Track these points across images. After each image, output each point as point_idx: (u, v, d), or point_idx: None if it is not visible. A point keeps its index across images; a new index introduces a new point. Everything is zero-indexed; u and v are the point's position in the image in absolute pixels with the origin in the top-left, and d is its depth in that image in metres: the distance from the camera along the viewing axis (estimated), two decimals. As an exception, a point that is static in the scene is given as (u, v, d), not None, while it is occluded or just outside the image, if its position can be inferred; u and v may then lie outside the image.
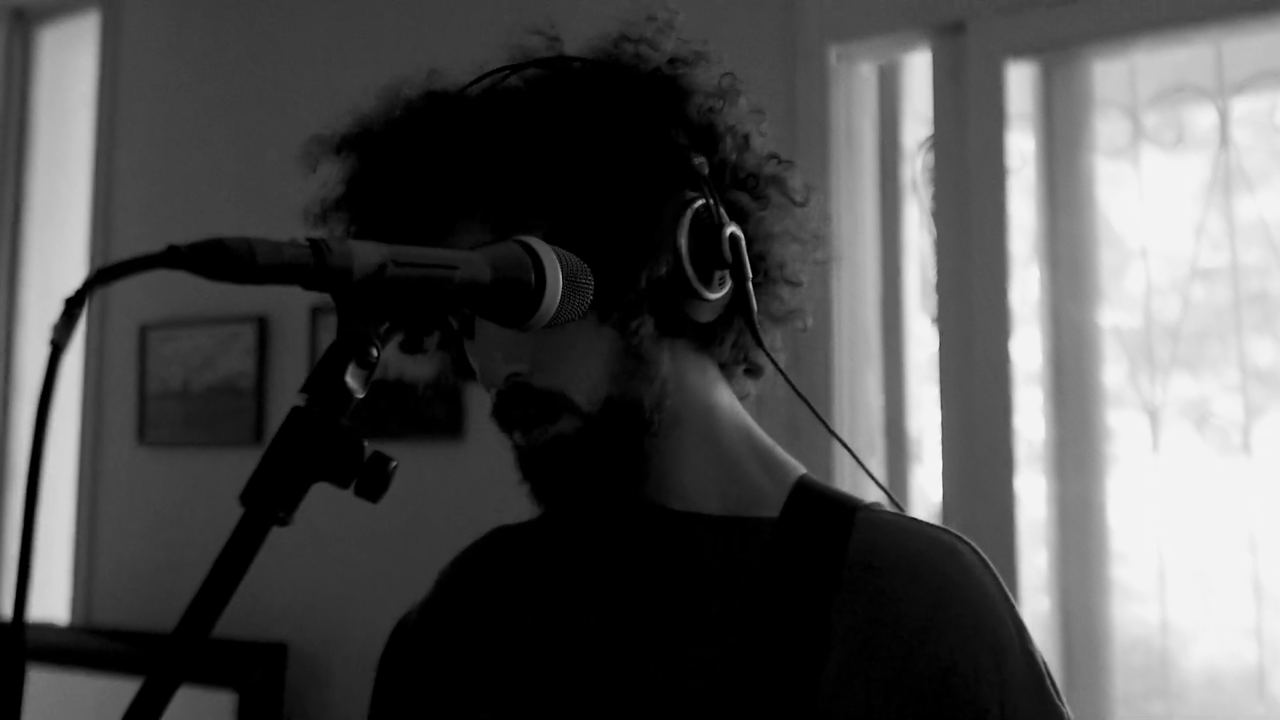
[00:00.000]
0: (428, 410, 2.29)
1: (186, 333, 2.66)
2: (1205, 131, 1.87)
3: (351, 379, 0.70)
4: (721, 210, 0.89)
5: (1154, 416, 1.87)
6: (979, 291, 1.88)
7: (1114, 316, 1.92)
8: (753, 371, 0.97)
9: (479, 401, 2.25)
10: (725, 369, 0.96)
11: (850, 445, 1.52)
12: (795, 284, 0.96)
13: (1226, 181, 1.84)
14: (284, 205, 2.75)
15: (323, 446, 0.69)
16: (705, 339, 0.92)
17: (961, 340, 1.90)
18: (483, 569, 1.02)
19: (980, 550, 0.89)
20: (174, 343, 2.68)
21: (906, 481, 1.99)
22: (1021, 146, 1.94)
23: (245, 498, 0.67)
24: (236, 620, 2.53)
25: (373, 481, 0.70)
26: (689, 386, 0.92)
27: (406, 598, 2.44)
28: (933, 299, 1.96)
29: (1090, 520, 1.90)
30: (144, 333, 2.72)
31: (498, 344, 0.88)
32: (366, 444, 0.69)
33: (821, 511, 0.90)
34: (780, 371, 0.95)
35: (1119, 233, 1.94)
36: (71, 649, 2.57)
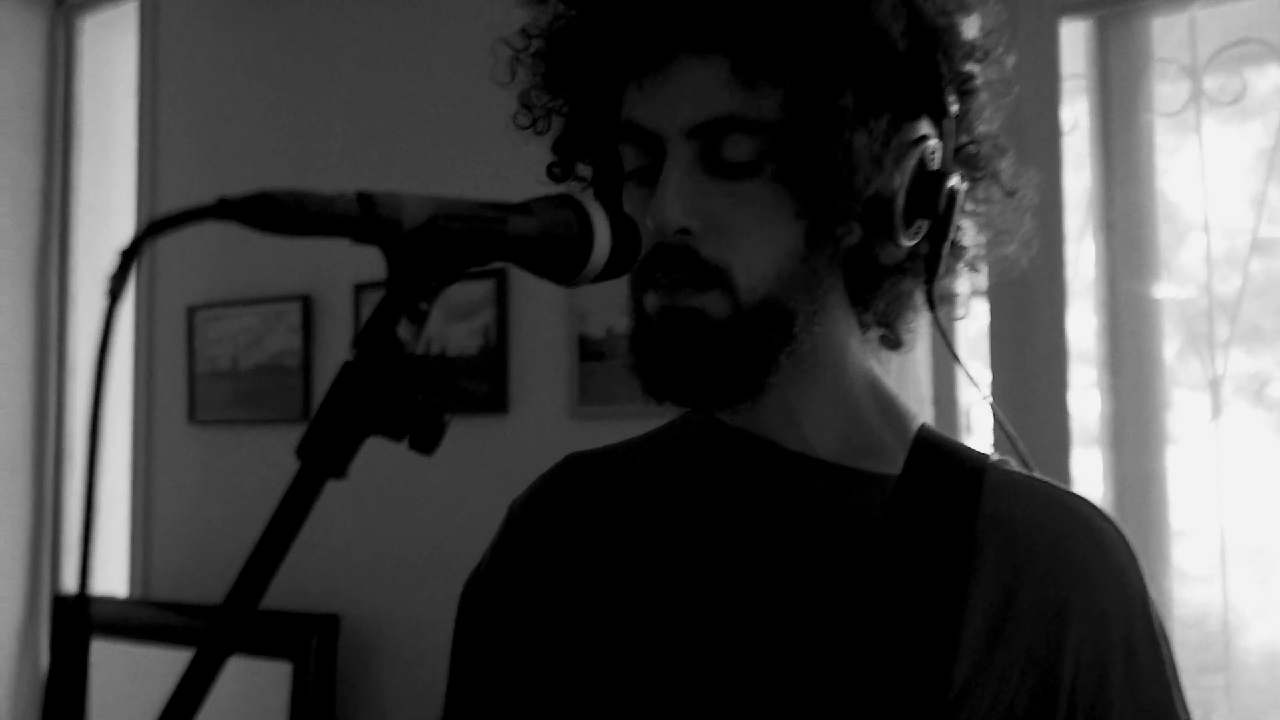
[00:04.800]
0: (471, 385, 2.30)
1: (233, 312, 2.68)
2: (1268, 93, 1.83)
3: (403, 333, 0.70)
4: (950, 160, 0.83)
5: (1213, 392, 1.83)
6: (1031, 262, 1.85)
7: (1171, 290, 1.88)
8: (889, 342, 0.91)
9: (522, 376, 2.26)
10: (862, 328, 0.89)
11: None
12: (971, 269, 0.90)
13: (1288, 148, 1.80)
14: (328, 180, 2.79)
15: (375, 400, 0.69)
16: (861, 286, 0.86)
17: (1014, 314, 1.87)
18: (561, 499, 0.96)
19: (1118, 525, 0.84)
20: (221, 323, 2.70)
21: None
22: (1075, 109, 1.91)
23: (301, 451, 0.68)
24: (290, 592, 2.55)
25: (426, 435, 0.70)
26: (830, 323, 0.85)
27: (452, 571, 2.46)
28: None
29: (1148, 497, 1.86)
30: (191, 314, 2.74)
31: (682, 193, 0.80)
32: (420, 397, 0.69)
33: (947, 470, 0.84)
34: (947, 342, 0.89)
35: (1176, 203, 1.90)
36: (131, 621, 2.62)
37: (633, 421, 2.19)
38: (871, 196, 0.81)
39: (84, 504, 0.63)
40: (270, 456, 2.59)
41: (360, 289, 2.45)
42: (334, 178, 2.47)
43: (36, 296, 2.99)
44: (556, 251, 0.77)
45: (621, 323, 2.18)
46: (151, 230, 0.61)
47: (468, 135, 2.31)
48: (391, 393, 0.69)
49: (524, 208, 0.76)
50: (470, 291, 2.27)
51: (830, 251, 0.83)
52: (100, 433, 0.63)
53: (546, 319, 2.21)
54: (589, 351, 2.14)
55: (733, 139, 0.79)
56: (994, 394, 1.88)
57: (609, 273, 0.81)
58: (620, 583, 0.88)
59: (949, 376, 1.98)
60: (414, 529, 2.37)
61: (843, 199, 0.80)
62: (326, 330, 2.54)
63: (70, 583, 2.92)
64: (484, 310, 2.29)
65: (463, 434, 2.34)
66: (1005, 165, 0.90)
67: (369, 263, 2.62)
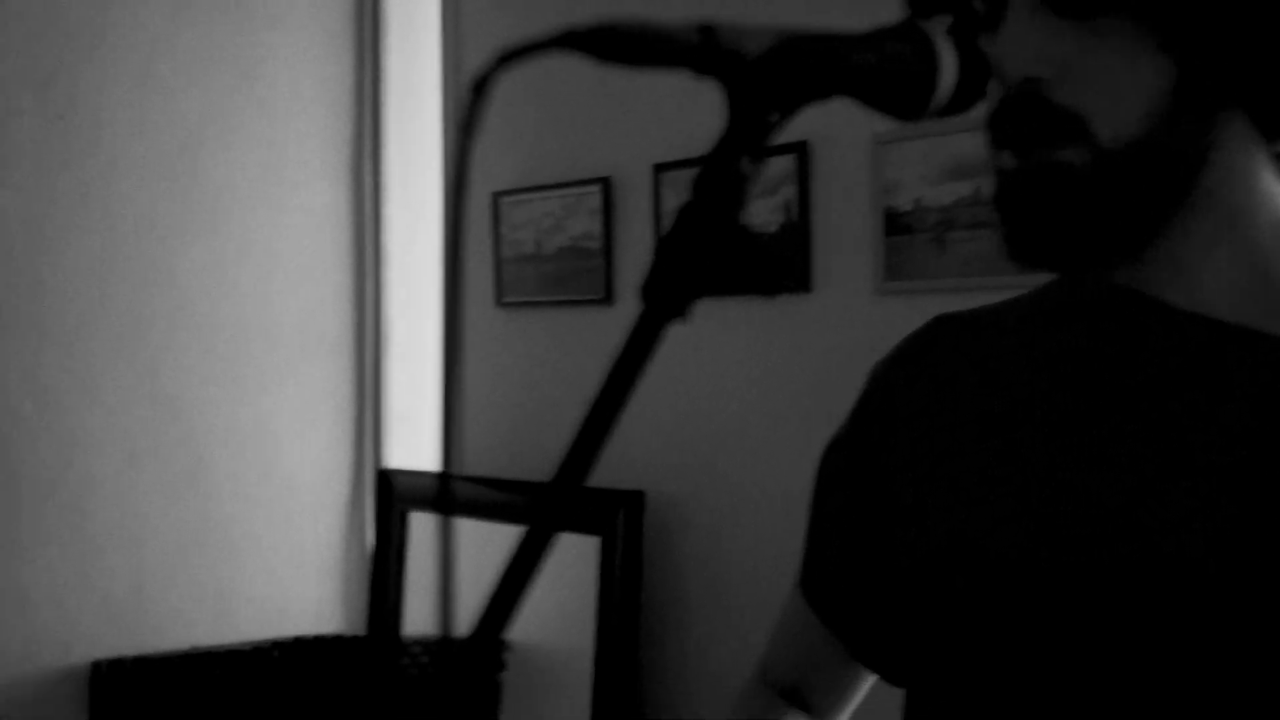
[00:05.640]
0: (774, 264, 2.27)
1: (536, 197, 2.74)
2: None
3: (745, 168, 0.68)
4: None
5: None
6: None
7: None
8: None
9: (825, 252, 2.22)
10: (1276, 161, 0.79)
11: None
12: None
13: None
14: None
15: (716, 240, 0.67)
16: (1268, 112, 0.76)
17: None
18: (926, 362, 0.90)
19: None
20: (525, 207, 2.77)
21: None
22: None
23: (645, 292, 0.66)
24: (598, 469, 2.61)
25: (770, 279, 0.68)
26: (1231, 164, 0.76)
27: (752, 450, 2.47)
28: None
29: None
30: (496, 199, 2.82)
31: (1029, 38, 0.74)
32: (763, 236, 0.67)
33: None
34: None
35: None
36: (445, 494, 2.76)
37: (943, 297, 2.12)
38: (1254, 13, 0.72)
39: (444, 382, 0.64)
40: (574, 336, 2.66)
41: (660, 169, 2.45)
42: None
43: (352, 188, 3.14)
44: (900, 84, 0.73)
45: (931, 194, 2.10)
46: (501, 61, 0.61)
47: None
48: (734, 230, 0.67)
49: (867, 39, 0.72)
50: (771, 167, 2.23)
51: (1212, 84, 0.74)
52: (460, 288, 0.64)
53: (850, 192, 2.15)
54: (896, 225, 2.07)
55: None
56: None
57: (955, 107, 0.76)
58: (990, 453, 0.82)
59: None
60: (716, 408, 2.38)
61: (1214, 26, 0.72)
62: (626, 212, 2.56)
63: (391, 459, 3.10)
64: (785, 185, 2.25)
65: (764, 313, 2.34)
66: None
67: (668, 143, 2.61)
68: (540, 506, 0.65)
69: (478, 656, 0.61)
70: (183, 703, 2.77)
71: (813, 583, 0.98)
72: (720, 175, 0.67)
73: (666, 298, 0.66)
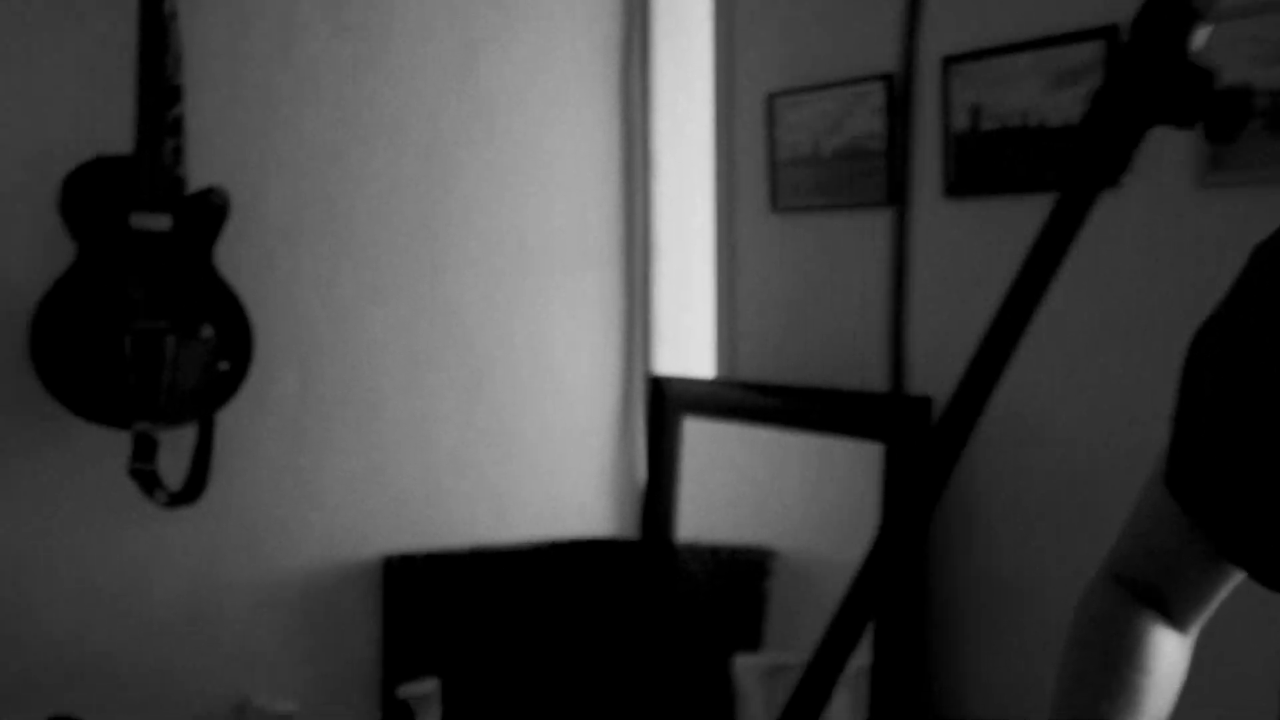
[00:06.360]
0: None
1: (813, 97, 2.66)
2: None
3: (1196, 2, 0.61)
4: None
5: None
6: None
7: None
8: None
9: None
10: None
11: None
12: None
13: None
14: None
15: (1162, 81, 0.60)
16: None
17: None
18: None
19: None
20: (801, 108, 2.69)
21: None
22: None
23: (1081, 149, 0.61)
24: (883, 374, 2.54)
25: (1227, 118, 0.61)
26: None
27: (1057, 354, 2.34)
28: None
29: None
30: (771, 100, 2.76)
31: None
32: (1215, 74, 0.60)
33: None
34: None
35: None
36: (718, 401, 2.75)
37: (1274, 189, 1.95)
38: None
39: (894, 287, 0.60)
40: (853, 242, 2.59)
41: (949, 62, 2.33)
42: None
43: (622, 98, 3.13)
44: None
45: (1262, 76, 1.93)
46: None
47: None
48: (1181, 70, 0.60)
49: None
50: (1075, 55, 2.10)
51: None
52: (908, 182, 0.59)
53: (1168, 78, 2.00)
54: (1222, 111, 1.92)
55: None
56: None
57: None
58: None
59: None
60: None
61: None
62: (912, 110, 2.45)
63: (661, 365, 3.11)
64: (1090, 75, 2.11)
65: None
66: None
67: (958, 34, 2.47)
68: (940, 431, 0.61)
69: (886, 582, 0.58)
70: (469, 596, 2.87)
71: (1179, 474, 0.91)
72: (1167, 10, 0.60)
73: (1098, 159, 0.60)
